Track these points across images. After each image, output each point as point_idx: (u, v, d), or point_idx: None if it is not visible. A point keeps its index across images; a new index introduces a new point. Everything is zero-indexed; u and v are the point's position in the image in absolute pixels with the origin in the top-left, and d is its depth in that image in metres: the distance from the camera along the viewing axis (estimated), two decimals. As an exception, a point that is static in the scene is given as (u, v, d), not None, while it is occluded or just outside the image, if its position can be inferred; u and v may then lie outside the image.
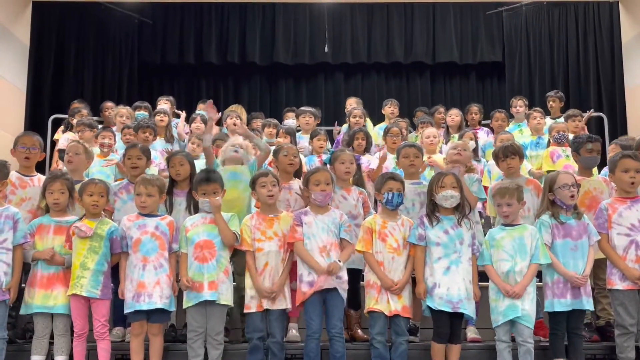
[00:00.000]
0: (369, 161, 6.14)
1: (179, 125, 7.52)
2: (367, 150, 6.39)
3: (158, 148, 6.59)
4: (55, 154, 7.15)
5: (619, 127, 9.20)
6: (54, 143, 7.44)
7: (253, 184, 4.59)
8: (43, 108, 9.10)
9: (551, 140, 6.72)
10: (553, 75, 10.01)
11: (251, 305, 4.38)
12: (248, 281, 4.45)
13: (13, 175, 4.90)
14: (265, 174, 4.58)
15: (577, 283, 4.33)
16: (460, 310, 4.28)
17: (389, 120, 7.79)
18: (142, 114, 7.31)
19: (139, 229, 4.43)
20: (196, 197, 4.55)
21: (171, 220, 4.56)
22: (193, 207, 4.76)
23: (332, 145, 7.24)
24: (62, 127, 7.69)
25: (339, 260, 4.33)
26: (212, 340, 4.35)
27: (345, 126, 7.74)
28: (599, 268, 4.71)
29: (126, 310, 4.35)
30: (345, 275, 4.40)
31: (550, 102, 8.01)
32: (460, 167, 4.88)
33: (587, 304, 4.38)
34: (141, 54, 10.32)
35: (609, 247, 4.51)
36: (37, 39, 9.42)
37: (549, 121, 7.42)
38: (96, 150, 6.17)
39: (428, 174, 5.59)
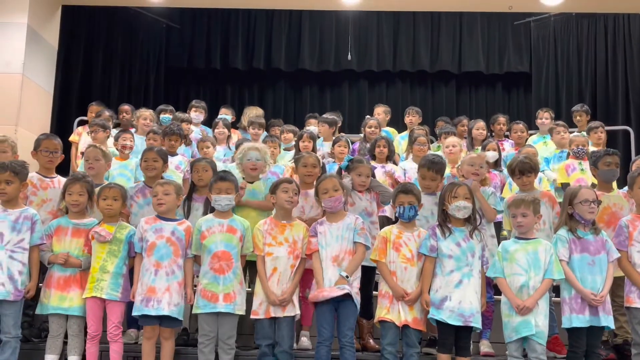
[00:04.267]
0: (393, 170, 6.15)
1: None
2: (389, 158, 6.38)
3: (181, 153, 6.60)
4: (78, 156, 7.19)
5: (646, 141, 9.01)
6: (70, 143, 7.47)
7: (275, 187, 4.60)
8: (70, 110, 9.19)
9: (570, 153, 6.62)
10: (580, 87, 9.84)
11: (259, 312, 4.39)
12: (257, 287, 4.47)
13: (34, 176, 4.96)
14: (289, 181, 4.65)
15: (594, 302, 4.24)
16: (473, 324, 4.23)
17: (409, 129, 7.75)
18: (166, 117, 7.36)
19: (155, 232, 4.46)
20: (210, 197, 4.59)
21: (188, 225, 4.58)
22: (210, 213, 4.77)
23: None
24: (78, 129, 7.75)
25: (346, 276, 4.30)
26: (224, 345, 4.36)
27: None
28: (616, 285, 4.60)
29: (134, 313, 4.38)
30: (356, 286, 4.37)
31: (577, 117, 7.88)
32: (474, 180, 4.85)
33: (606, 321, 4.26)
34: (168, 58, 10.40)
35: (629, 265, 4.42)
36: (65, 43, 9.50)
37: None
38: (115, 152, 6.23)
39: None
